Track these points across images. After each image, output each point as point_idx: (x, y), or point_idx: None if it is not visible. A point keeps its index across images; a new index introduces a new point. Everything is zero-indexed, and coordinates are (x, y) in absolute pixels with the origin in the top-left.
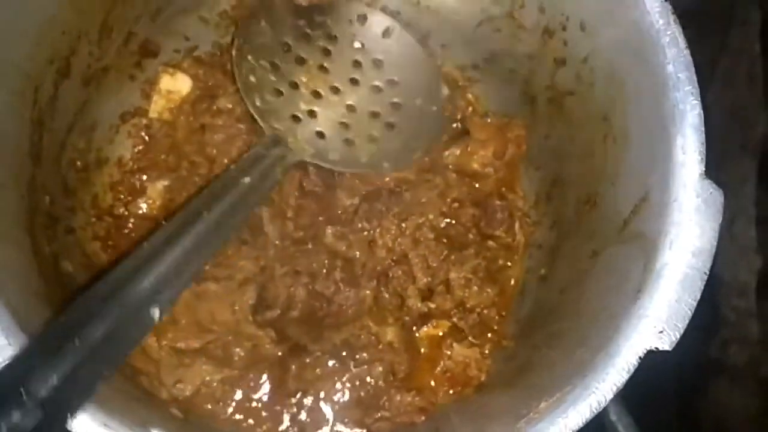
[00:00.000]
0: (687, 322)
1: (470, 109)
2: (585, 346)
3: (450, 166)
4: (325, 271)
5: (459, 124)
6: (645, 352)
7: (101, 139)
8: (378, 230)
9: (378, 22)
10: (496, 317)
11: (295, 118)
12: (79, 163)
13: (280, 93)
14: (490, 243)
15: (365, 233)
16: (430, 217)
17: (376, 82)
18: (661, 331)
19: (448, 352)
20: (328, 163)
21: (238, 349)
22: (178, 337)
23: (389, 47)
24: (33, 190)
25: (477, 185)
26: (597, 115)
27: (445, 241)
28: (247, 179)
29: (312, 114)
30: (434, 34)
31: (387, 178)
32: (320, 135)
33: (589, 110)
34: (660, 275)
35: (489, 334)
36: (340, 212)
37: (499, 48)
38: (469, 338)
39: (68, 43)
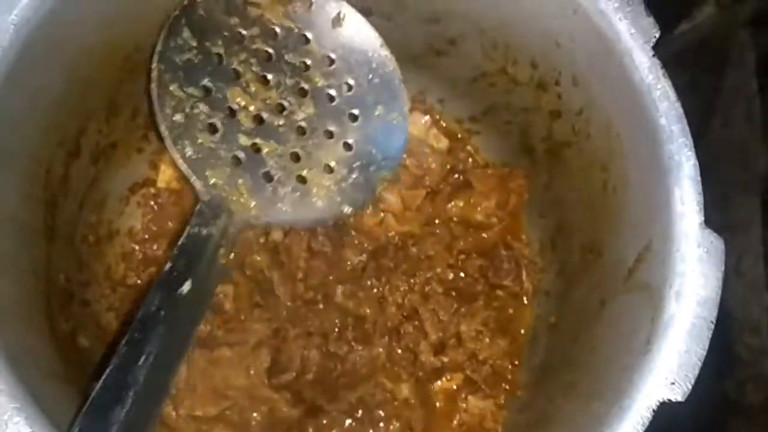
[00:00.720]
0: (697, 371)
1: (470, 160)
2: (599, 399)
3: (454, 218)
4: (337, 330)
5: (461, 176)
6: (658, 404)
7: (112, 212)
8: (387, 287)
9: (326, 5)
10: (509, 367)
11: (236, 161)
12: (91, 237)
13: (214, 129)
14: (499, 292)
15: (375, 291)
16: (438, 270)
17: (329, 90)
18: (673, 383)
19: (464, 405)
20: (277, 222)
21: (255, 414)
22: (196, 405)
23: (341, 40)
24: (48, 270)
25: (482, 236)
26: (595, 165)
27: (454, 294)
28: (186, 287)
29: (255, 149)
30: (430, 90)
31: (392, 233)
32: (267, 177)
33: (587, 160)
34: (668, 326)
35: (503, 385)
36: (349, 270)
37: (495, 101)
38: (483, 390)
39: (77, 124)
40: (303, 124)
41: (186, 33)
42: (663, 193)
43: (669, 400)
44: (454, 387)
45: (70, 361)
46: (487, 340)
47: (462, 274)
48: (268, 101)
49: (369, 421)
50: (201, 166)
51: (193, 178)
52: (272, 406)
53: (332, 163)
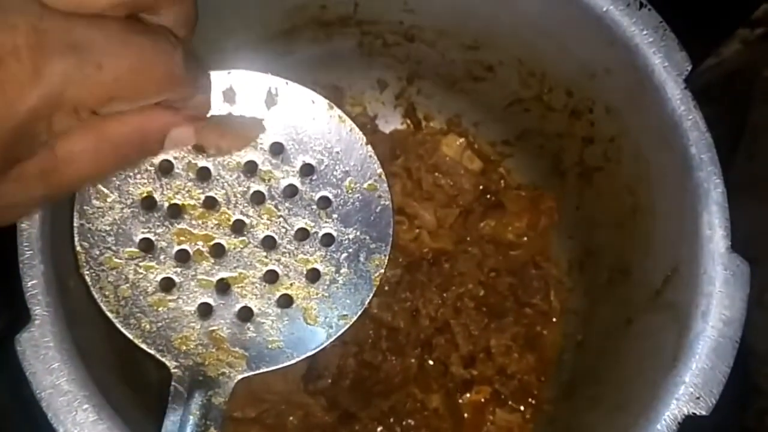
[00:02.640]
0: (722, 388)
1: (503, 182)
2: (625, 412)
3: (486, 237)
4: (371, 340)
5: (493, 197)
6: (683, 417)
7: None
8: (420, 301)
9: (251, 86)
10: (536, 382)
11: (204, 311)
12: None
13: (169, 285)
14: (528, 310)
15: (408, 303)
16: (470, 286)
17: (286, 181)
18: (698, 398)
19: (491, 418)
20: (273, 367)
21: (291, 418)
22: (235, 407)
23: (282, 119)
24: None
25: (513, 254)
26: (625, 190)
27: (484, 309)
28: None
29: (223, 287)
30: (466, 114)
31: (426, 249)
32: (245, 315)
33: (617, 185)
34: (694, 344)
35: (530, 399)
36: (384, 283)
37: (529, 126)
38: (511, 403)
39: None
40: (269, 233)
41: (101, 189)
42: (691, 218)
43: (694, 414)
44: (483, 400)
45: (125, 360)
46: (516, 355)
47: (492, 291)
48: (222, 225)
49: (399, 429)
50: (164, 336)
51: (160, 355)
52: (307, 411)
53: (316, 266)
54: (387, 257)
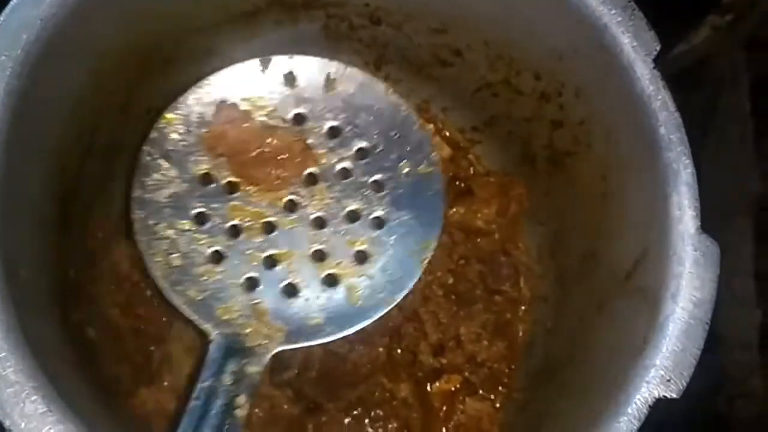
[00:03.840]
0: (692, 370)
1: (472, 168)
2: (596, 396)
3: (455, 224)
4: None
5: (462, 183)
6: (654, 400)
7: (120, 209)
8: None
9: (311, 71)
10: (506, 370)
11: (249, 285)
12: (100, 233)
13: (218, 258)
14: (497, 298)
15: None
16: (438, 274)
17: (341, 165)
18: (669, 380)
19: (461, 407)
20: (312, 342)
21: (256, 410)
22: None
23: (339, 104)
24: (60, 263)
25: (482, 242)
26: (595, 174)
27: (453, 297)
28: None
29: (270, 263)
30: (435, 100)
31: None
32: (290, 291)
33: (587, 169)
34: (664, 326)
35: (500, 387)
36: None
37: (498, 111)
38: (481, 392)
39: (92, 121)
40: (320, 214)
41: (162, 164)
42: (661, 199)
43: (665, 396)
44: (453, 388)
45: (80, 350)
46: (486, 342)
47: (461, 278)
48: (273, 204)
49: (368, 419)
50: (209, 305)
51: (201, 322)
52: (273, 403)
53: (364, 248)
54: (436, 242)
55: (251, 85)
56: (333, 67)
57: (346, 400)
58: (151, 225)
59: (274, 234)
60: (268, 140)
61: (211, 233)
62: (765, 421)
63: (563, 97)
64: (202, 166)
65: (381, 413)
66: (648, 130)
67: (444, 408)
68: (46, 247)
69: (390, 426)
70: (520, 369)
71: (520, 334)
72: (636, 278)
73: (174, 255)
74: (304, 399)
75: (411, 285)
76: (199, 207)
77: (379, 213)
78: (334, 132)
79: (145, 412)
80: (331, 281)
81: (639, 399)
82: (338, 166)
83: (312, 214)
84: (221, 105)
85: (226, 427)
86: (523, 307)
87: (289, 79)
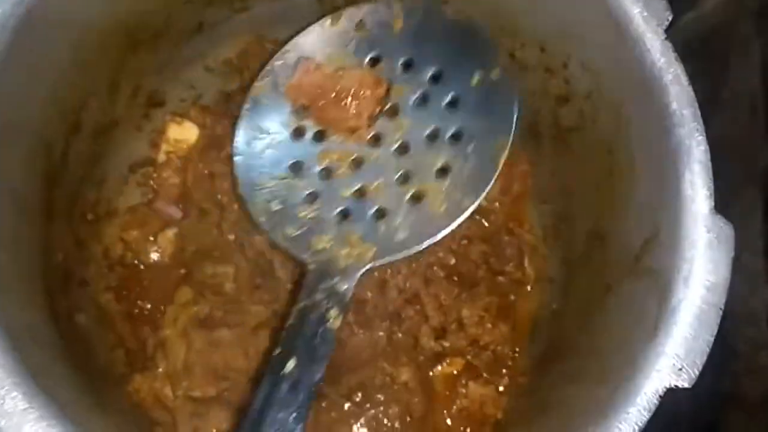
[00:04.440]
0: (705, 358)
1: None
2: (604, 384)
3: None
4: None
5: None
6: (665, 390)
7: (111, 191)
8: (388, 271)
9: (379, 15)
10: (510, 354)
11: (342, 216)
12: (89, 215)
13: (313, 198)
14: (501, 279)
15: (376, 274)
16: (440, 255)
17: (418, 92)
18: (680, 369)
19: (464, 391)
20: (401, 253)
21: None
22: (194, 386)
23: (408, 37)
24: (46, 247)
25: (485, 221)
26: (602, 151)
27: (455, 279)
28: (290, 364)
29: (360, 194)
30: None
31: None
32: (379, 216)
33: (593, 146)
34: (676, 312)
35: (504, 371)
36: None
37: None
38: (484, 376)
39: (78, 99)
40: (403, 140)
41: (260, 122)
42: (672, 178)
43: (676, 386)
44: (455, 372)
45: (68, 338)
46: (489, 325)
47: (464, 259)
48: (360, 141)
49: (368, 404)
50: (305, 238)
51: (298, 255)
52: None
53: (445, 162)
54: (511, 138)
55: (326, 39)
56: (397, 6)
57: (346, 385)
58: (252, 178)
59: (361, 168)
60: (347, 84)
61: (305, 178)
62: None
63: (569, 71)
64: (292, 121)
65: (382, 398)
66: (659, 104)
67: (446, 392)
68: (29, 229)
69: (391, 411)
70: (525, 352)
71: (525, 316)
72: (646, 260)
73: (273, 202)
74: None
75: (489, 185)
76: (293, 158)
77: (456, 128)
78: (407, 65)
79: (139, 399)
80: (416, 198)
81: (649, 389)
82: (415, 95)
83: (395, 143)
84: (301, 62)
85: (319, 337)
86: (527, 289)
87: (360, 26)
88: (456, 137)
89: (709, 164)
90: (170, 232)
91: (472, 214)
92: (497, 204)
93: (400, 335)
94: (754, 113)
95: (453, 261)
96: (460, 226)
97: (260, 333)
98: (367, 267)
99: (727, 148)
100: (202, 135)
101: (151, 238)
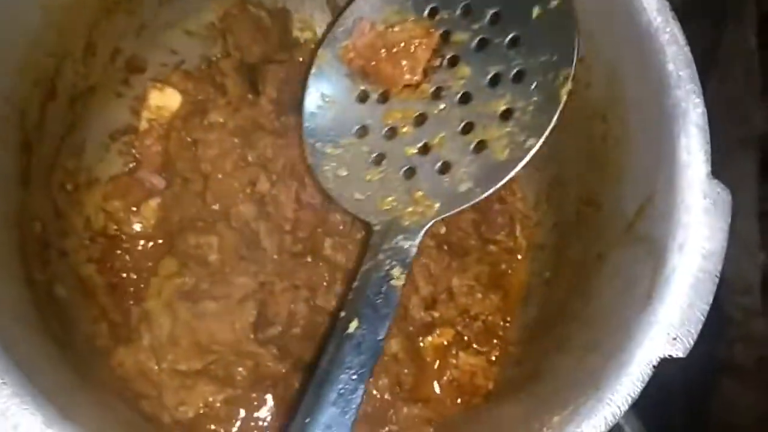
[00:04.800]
0: (700, 327)
1: None
2: (596, 353)
3: None
4: (325, 284)
5: None
6: (659, 360)
7: (91, 159)
8: None
9: None
10: (501, 323)
11: (408, 174)
12: (69, 185)
13: (380, 159)
14: (492, 248)
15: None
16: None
17: (479, 37)
18: (675, 338)
19: (454, 361)
20: (465, 204)
21: (240, 368)
22: (179, 359)
23: None
24: (23, 218)
25: None
26: (596, 115)
27: (446, 248)
28: (353, 324)
29: (425, 150)
30: None
31: None
32: (443, 169)
33: (587, 110)
34: (670, 279)
35: (495, 341)
36: (338, 223)
37: None
38: (475, 346)
39: (52, 64)
40: (465, 90)
41: (325, 89)
42: (668, 142)
43: (670, 356)
44: (445, 343)
45: (46, 311)
46: (480, 295)
47: (454, 228)
48: (423, 97)
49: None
50: (372, 200)
51: (364, 216)
52: (258, 361)
53: (508, 105)
54: (573, 68)
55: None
56: None
57: None
58: (318, 148)
59: (425, 124)
60: (396, 39)
61: (371, 141)
62: (766, 365)
63: None
64: (354, 85)
65: None
66: (654, 66)
67: (436, 363)
68: (4, 199)
69: (380, 382)
70: (516, 322)
71: (516, 285)
72: (639, 227)
73: (341, 169)
74: (290, 356)
75: (553, 122)
76: (359, 122)
77: (519, 67)
78: (466, 11)
79: (124, 373)
80: (480, 147)
81: (643, 359)
82: (475, 40)
83: (457, 94)
84: (356, 24)
85: (382, 295)
86: (519, 257)
87: None
88: (518, 77)
89: (707, 127)
90: (153, 202)
91: None
92: None
93: None
94: (750, 77)
95: (443, 230)
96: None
97: (246, 305)
98: (431, 223)
99: (721, 110)
100: (184, 102)
101: (134, 209)
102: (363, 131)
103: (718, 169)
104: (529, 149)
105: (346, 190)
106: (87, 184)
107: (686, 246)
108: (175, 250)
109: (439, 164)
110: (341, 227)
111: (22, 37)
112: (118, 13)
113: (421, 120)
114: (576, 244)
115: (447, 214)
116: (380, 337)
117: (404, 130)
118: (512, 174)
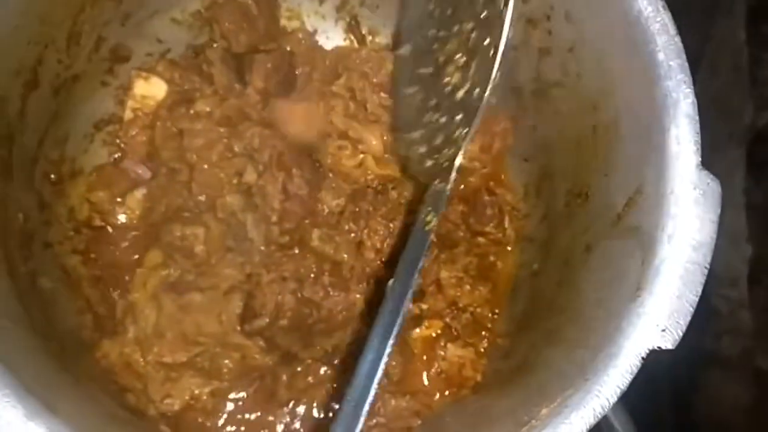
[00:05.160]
0: (689, 318)
1: None
2: (585, 346)
3: None
4: (313, 275)
5: None
6: (647, 352)
7: (75, 150)
8: (365, 231)
9: None
10: (490, 315)
11: (451, 118)
12: (52, 175)
13: (431, 108)
14: (480, 239)
15: (352, 235)
16: None
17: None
18: (663, 330)
19: (442, 353)
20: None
21: (226, 361)
22: (164, 351)
23: None
24: (5, 209)
25: (464, 181)
26: (585, 106)
27: (434, 240)
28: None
29: (455, 88)
30: None
31: (371, 176)
32: (455, 89)
33: (576, 101)
34: (659, 271)
35: (483, 333)
36: (325, 214)
37: None
38: (463, 338)
39: (35, 52)
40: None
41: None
42: (658, 132)
43: (659, 347)
44: (433, 335)
45: (30, 302)
46: (468, 287)
47: (443, 220)
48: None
49: (345, 369)
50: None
51: (427, 180)
52: (244, 353)
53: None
54: None
55: None
56: None
57: (321, 348)
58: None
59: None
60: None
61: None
62: (752, 357)
63: (552, 22)
64: (428, 68)
65: None
66: (645, 55)
67: (425, 355)
68: None
69: None
70: (505, 314)
71: (505, 277)
72: (629, 218)
73: (422, 145)
74: (277, 349)
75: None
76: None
77: None
78: None
79: (109, 365)
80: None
81: (631, 351)
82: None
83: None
84: None
85: (416, 243)
86: (508, 249)
87: None
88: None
89: (697, 118)
90: (138, 193)
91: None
92: (477, 163)
93: (377, 298)
94: (738, 71)
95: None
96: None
97: (233, 297)
98: (464, 149)
99: (710, 104)
100: (170, 91)
101: (119, 199)
102: (437, 107)
103: (707, 162)
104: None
105: (418, 161)
106: (71, 175)
107: (675, 237)
108: (161, 241)
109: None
110: (329, 218)
111: (3, 25)
112: (102, 1)
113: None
114: (565, 235)
115: (473, 130)
116: (409, 290)
117: (450, 68)
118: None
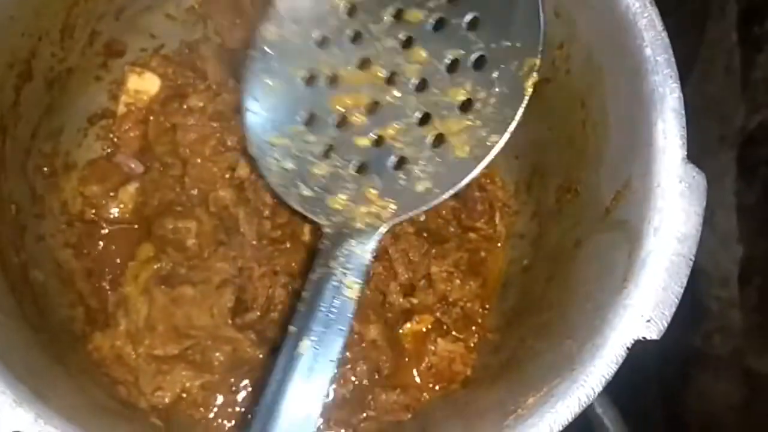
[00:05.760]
0: (674, 309)
1: None
2: (572, 338)
3: None
4: (304, 270)
5: None
6: (633, 342)
7: (69, 143)
8: None
9: None
10: (480, 310)
11: (359, 169)
12: (46, 168)
13: (328, 151)
14: (471, 235)
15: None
16: None
17: (434, 16)
18: (649, 321)
19: (433, 348)
20: (423, 206)
21: (217, 354)
22: (156, 344)
23: None
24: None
25: None
26: (575, 102)
27: (425, 235)
28: (305, 343)
29: (377, 141)
30: None
31: None
32: (399, 164)
33: (566, 97)
34: (645, 263)
35: (473, 328)
36: None
37: None
38: (453, 332)
39: (28, 45)
40: (421, 76)
41: (266, 78)
42: (645, 127)
43: (644, 338)
44: (424, 329)
45: (22, 295)
46: (458, 282)
47: (433, 216)
48: (375, 83)
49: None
50: (321, 198)
51: (313, 216)
52: (236, 347)
53: (468, 94)
54: (539, 58)
55: None
56: None
57: None
58: (260, 137)
59: (378, 112)
60: (352, 25)
61: (319, 131)
62: (742, 356)
63: None
64: (303, 68)
65: (349, 356)
66: (632, 51)
67: (415, 349)
68: None
69: (359, 368)
70: (495, 309)
71: (495, 272)
72: (616, 212)
73: (287, 161)
74: (267, 342)
75: (518, 116)
76: (306, 108)
77: (479, 52)
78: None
79: (100, 358)
80: (439, 140)
81: (617, 341)
82: (431, 19)
83: (413, 80)
84: None
85: (335, 309)
86: (498, 245)
87: None
88: (479, 64)
89: (683, 113)
90: (131, 187)
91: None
92: None
93: (368, 292)
94: (730, 73)
95: (422, 217)
96: (485, 168)
97: (224, 290)
98: (387, 226)
99: (702, 107)
100: (163, 86)
101: (112, 193)
102: (311, 120)
103: (698, 163)
104: (492, 146)
105: (292, 185)
106: (64, 168)
107: (661, 230)
108: (153, 235)
109: (393, 159)
110: None
111: None
112: None
113: (373, 108)
114: (555, 231)
115: (404, 216)
116: (333, 359)
117: (354, 118)
118: (474, 174)
